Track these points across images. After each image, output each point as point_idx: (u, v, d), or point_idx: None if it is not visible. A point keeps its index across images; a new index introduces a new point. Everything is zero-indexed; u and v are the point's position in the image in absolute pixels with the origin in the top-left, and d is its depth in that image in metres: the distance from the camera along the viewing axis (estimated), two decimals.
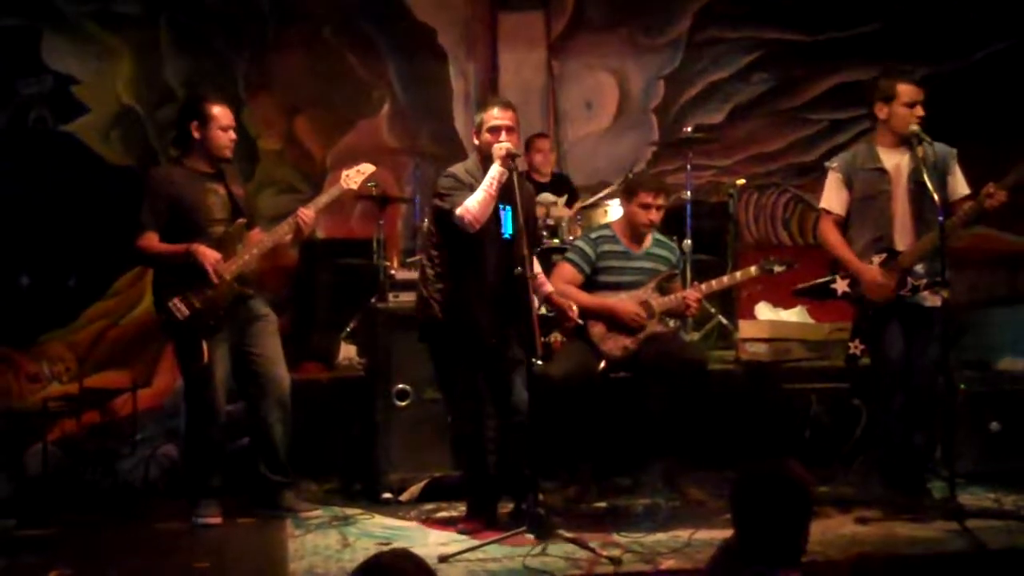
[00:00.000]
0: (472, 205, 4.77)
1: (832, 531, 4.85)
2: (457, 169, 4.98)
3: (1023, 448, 5.79)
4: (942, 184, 5.16)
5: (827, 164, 5.49)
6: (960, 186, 5.29)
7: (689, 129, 7.33)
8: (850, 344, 5.34)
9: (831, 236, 5.36)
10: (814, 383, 6.12)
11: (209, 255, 5.04)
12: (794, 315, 6.71)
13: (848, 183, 5.35)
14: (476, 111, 5.17)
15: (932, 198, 5.00)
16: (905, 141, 5.23)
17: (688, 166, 6.98)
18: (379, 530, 5.06)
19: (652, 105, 8.41)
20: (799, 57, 8.33)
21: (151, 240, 5.11)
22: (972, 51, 8.30)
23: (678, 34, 8.36)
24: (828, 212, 5.41)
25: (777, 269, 5.75)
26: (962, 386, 5.85)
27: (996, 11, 8.19)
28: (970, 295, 7.62)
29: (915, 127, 5.18)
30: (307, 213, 5.24)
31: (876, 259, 5.22)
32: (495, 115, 4.94)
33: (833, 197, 5.39)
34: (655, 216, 5.63)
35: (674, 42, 8.37)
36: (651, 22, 8.37)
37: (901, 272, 5.18)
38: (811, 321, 6.71)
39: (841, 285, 5.31)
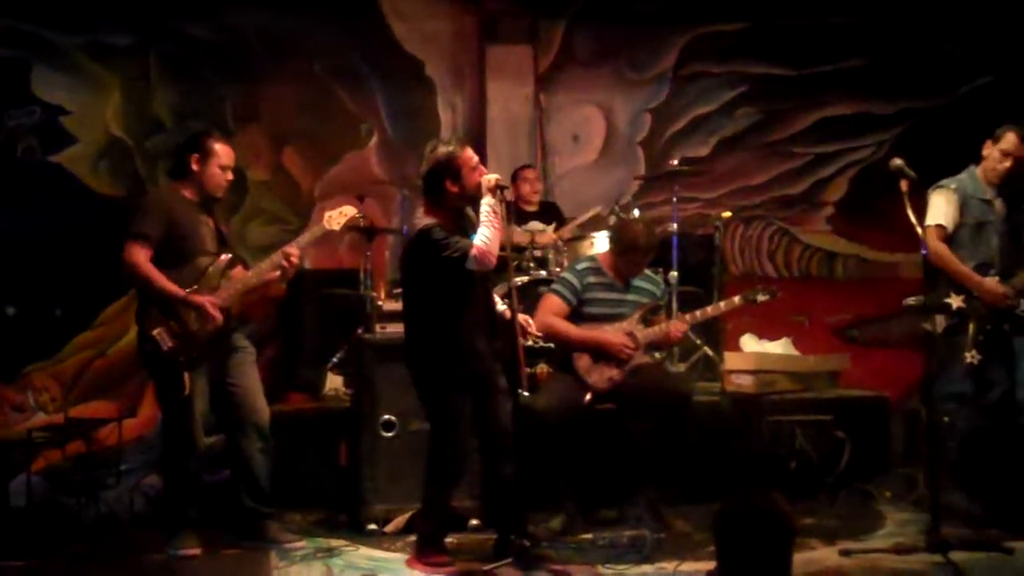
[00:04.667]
0: (486, 243, 4.71)
1: (816, 563, 4.86)
2: (432, 222, 4.81)
3: (1006, 480, 5.80)
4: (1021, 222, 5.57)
5: (940, 185, 5.64)
6: None
7: (675, 162, 7.39)
8: (967, 355, 5.42)
9: (946, 251, 5.52)
10: (799, 415, 6.13)
11: (209, 310, 5.01)
12: (779, 347, 6.73)
13: (963, 205, 5.56)
14: (435, 160, 4.85)
15: (1021, 237, 5.49)
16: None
17: (674, 199, 7.01)
18: (364, 562, 5.04)
19: (638, 138, 8.47)
20: (784, 91, 8.40)
21: (144, 254, 5.02)
22: (956, 86, 8.38)
23: (664, 69, 8.43)
24: (942, 227, 5.56)
25: (760, 299, 5.80)
26: (946, 419, 5.87)
27: (979, 47, 8.28)
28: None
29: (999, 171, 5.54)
30: (292, 252, 5.23)
31: (989, 279, 5.45)
32: (471, 153, 4.91)
33: (948, 215, 5.56)
34: (644, 267, 5.76)
35: (660, 76, 8.44)
36: (637, 57, 8.44)
37: (1016, 292, 5.42)
38: (796, 353, 6.73)
39: (956, 300, 5.44)
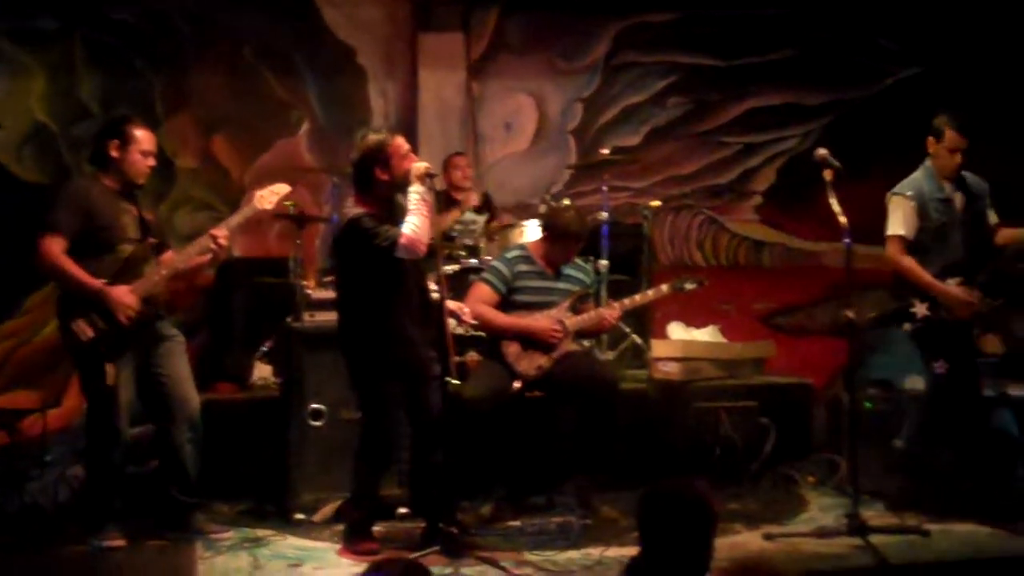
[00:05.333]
0: (415, 231, 4.71)
1: (740, 547, 4.93)
2: (362, 211, 4.81)
3: (925, 465, 5.93)
4: (983, 213, 5.58)
5: (897, 192, 5.60)
6: (993, 216, 5.61)
7: (606, 151, 7.41)
8: (935, 365, 5.50)
9: (907, 261, 5.52)
10: (724, 401, 6.21)
11: (123, 302, 4.94)
12: (706, 335, 6.82)
13: (922, 211, 5.52)
14: (365, 148, 4.86)
15: (983, 227, 5.48)
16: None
17: (605, 188, 7.04)
18: (291, 551, 5.02)
19: (570, 127, 8.50)
20: (713, 82, 8.48)
21: (59, 246, 4.93)
22: (882, 78, 8.51)
23: (595, 58, 8.47)
24: (902, 238, 5.53)
25: (688, 287, 5.86)
26: (867, 404, 5.99)
27: (905, 40, 8.42)
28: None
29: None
30: (220, 233, 5.16)
31: (952, 281, 5.43)
32: (401, 141, 4.92)
33: (908, 223, 5.53)
34: (576, 254, 5.80)
35: (592, 66, 8.48)
36: (569, 46, 8.47)
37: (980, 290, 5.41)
38: (723, 340, 6.81)
39: (921, 308, 5.48)
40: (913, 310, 5.48)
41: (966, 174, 5.57)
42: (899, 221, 5.54)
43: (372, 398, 4.94)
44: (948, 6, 8.28)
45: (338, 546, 5.01)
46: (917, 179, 5.60)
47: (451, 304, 5.09)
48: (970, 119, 5.53)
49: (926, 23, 8.36)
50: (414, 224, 4.74)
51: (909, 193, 5.55)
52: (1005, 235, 5.54)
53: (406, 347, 4.89)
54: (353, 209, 4.85)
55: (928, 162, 5.61)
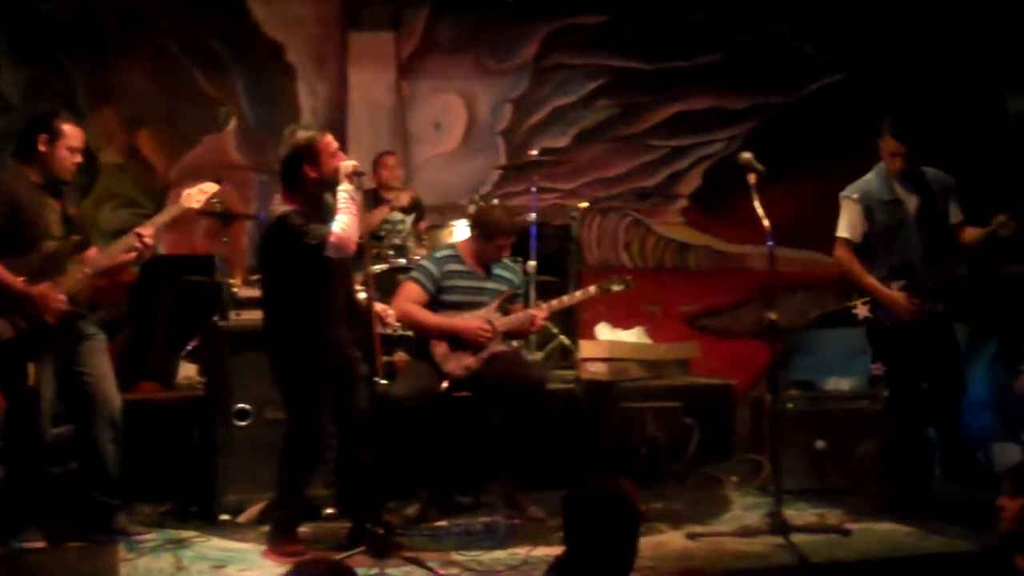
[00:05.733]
0: (345, 229, 4.67)
1: (663, 546, 4.98)
2: (290, 208, 4.75)
3: (846, 466, 6.05)
4: (945, 211, 5.53)
5: (845, 194, 5.60)
6: (956, 214, 5.57)
7: (535, 152, 7.42)
8: (872, 367, 5.64)
9: (854, 264, 5.54)
10: (650, 402, 6.26)
11: (49, 303, 4.85)
12: (632, 335, 6.86)
13: (868, 213, 5.53)
14: (295, 144, 4.80)
15: (942, 226, 5.45)
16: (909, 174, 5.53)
17: (533, 188, 7.06)
18: (215, 552, 4.97)
19: (499, 128, 8.53)
20: (641, 85, 8.56)
21: None
22: (806, 83, 8.65)
23: (525, 59, 8.51)
24: (848, 240, 5.56)
25: (615, 289, 5.93)
26: (790, 405, 6.09)
27: (829, 47, 8.57)
28: (800, 317, 7.95)
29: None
30: (145, 232, 5.08)
31: (896, 285, 5.46)
32: (330, 139, 4.89)
33: (854, 226, 5.54)
34: (507, 253, 5.80)
35: (521, 67, 8.52)
36: (499, 47, 8.50)
37: (921, 294, 5.42)
38: (648, 341, 6.88)
39: (862, 310, 5.53)
40: (855, 311, 5.55)
41: (928, 170, 5.56)
42: (845, 223, 5.58)
43: (298, 398, 4.90)
44: (870, 14, 8.43)
45: (263, 547, 4.94)
46: (867, 180, 5.62)
47: (376, 306, 5.07)
48: (909, 123, 5.56)
49: (848, 30, 8.51)
50: (344, 223, 4.72)
51: (855, 196, 5.58)
52: (970, 234, 5.51)
53: (332, 347, 4.86)
54: (281, 206, 4.80)
55: (880, 163, 5.63)
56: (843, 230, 5.59)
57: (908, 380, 5.55)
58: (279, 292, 4.91)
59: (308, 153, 4.81)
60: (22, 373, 4.86)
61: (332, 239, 4.68)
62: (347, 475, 5.06)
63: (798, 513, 5.43)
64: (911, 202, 5.55)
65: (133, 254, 5.12)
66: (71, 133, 5.09)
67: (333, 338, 4.87)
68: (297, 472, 4.95)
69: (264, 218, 5.04)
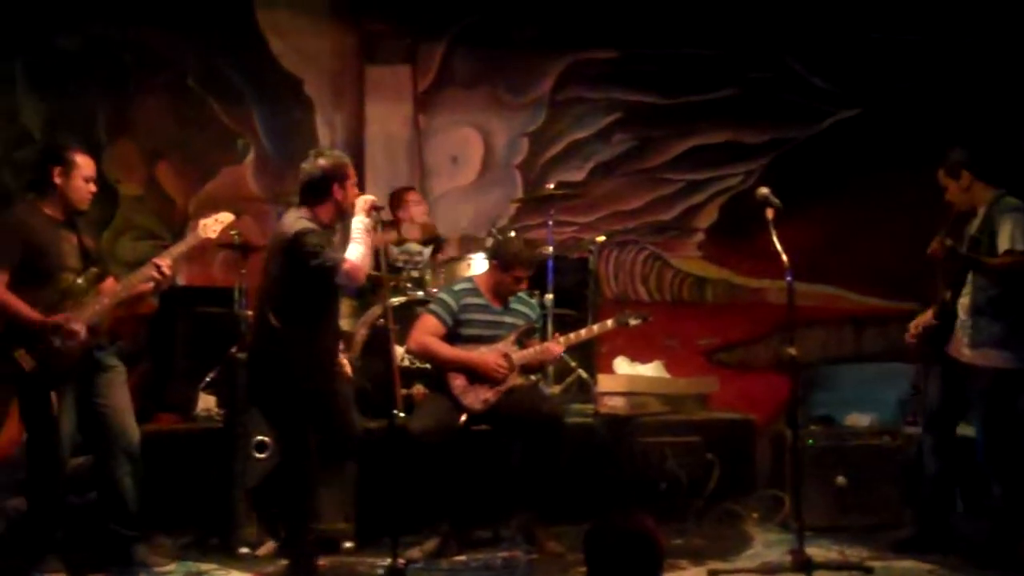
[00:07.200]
0: (358, 258, 4.69)
1: None
2: (312, 225, 4.76)
3: (867, 502, 6.02)
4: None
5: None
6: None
7: (552, 186, 7.43)
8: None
9: None
10: (669, 436, 6.22)
11: (72, 335, 4.87)
12: (651, 370, 6.83)
13: None
14: (328, 164, 4.84)
15: None
16: None
17: (550, 222, 7.07)
18: None
19: (516, 161, 8.53)
20: (657, 119, 8.54)
21: (2, 280, 4.87)
22: (821, 118, 8.65)
23: (541, 93, 8.51)
24: None
25: (633, 322, 5.94)
26: (810, 441, 6.06)
27: (843, 81, 8.57)
28: (820, 352, 7.92)
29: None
30: (163, 262, 5.10)
31: None
32: (352, 169, 4.94)
33: None
34: (524, 285, 5.80)
35: (537, 101, 8.51)
36: (515, 81, 8.50)
37: None
38: (667, 376, 6.85)
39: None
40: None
41: None
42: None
43: (294, 420, 4.84)
44: (885, 50, 8.45)
45: None
46: None
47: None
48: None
49: (862, 65, 8.52)
50: (358, 252, 4.72)
51: None
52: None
53: (324, 373, 4.87)
54: (300, 221, 4.77)
55: None
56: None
57: (949, 419, 5.53)
58: (284, 309, 4.81)
59: (339, 175, 4.85)
60: (45, 404, 4.88)
61: (346, 266, 4.67)
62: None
63: (820, 550, 5.38)
64: None
65: (151, 284, 5.14)
66: (84, 163, 5.13)
67: (327, 364, 4.85)
68: (301, 499, 4.89)
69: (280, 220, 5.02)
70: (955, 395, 5.46)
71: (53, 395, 4.90)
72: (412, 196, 7.45)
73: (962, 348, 5.35)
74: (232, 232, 6.11)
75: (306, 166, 4.87)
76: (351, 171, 4.91)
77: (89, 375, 5.09)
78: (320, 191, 4.83)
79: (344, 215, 4.88)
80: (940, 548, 5.39)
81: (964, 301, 5.35)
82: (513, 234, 6.78)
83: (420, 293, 6.63)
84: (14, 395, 5.17)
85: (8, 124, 7.64)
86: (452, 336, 5.68)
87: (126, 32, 7.90)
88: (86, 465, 5.35)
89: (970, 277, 5.34)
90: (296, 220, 4.80)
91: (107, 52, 7.89)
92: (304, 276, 4.74)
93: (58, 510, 5.07)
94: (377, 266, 5.62)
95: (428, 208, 7.63)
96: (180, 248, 5.28)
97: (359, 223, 4.80)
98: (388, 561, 4.71)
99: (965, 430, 5.61)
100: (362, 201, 4.86)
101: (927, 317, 5.49)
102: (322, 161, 4.84)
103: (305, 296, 4.79)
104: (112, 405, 5.15)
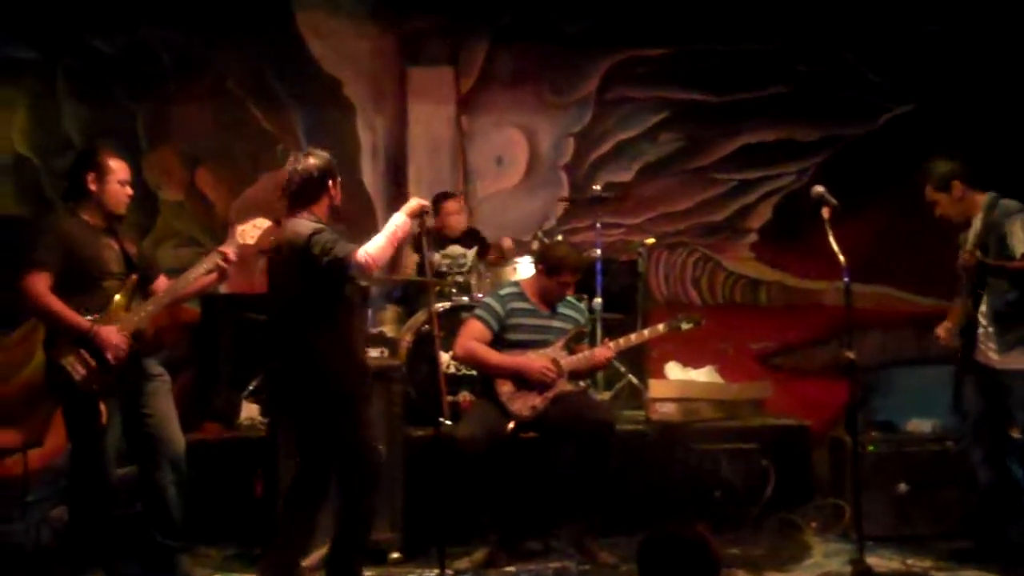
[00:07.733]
0: (373, 249, 4.57)
1: None
2: (321, 226, 4.67)
3: (930, 510, 5.85)
4: None
5: None
6: None
7: (599, 187, 7.36)
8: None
9: None
10: (723, 443, 6.11)
11: (111, 341, 4.81)
12: (703, 375, 6.72)
13: None
14: (321, 165, 4.75)
15: None
16: None
17: (598, 224, 6.98)
18: None
19: (562, 162, 8.42)
20: (706, 118, 8.39)
21: (45, 282, 4.81)
22: (877, 114, 8.45)
23: (587, 93, 8.38)
24: None
25: (685, 327, 5.82)
26: (871, 448, 5.90)
27: (898, 77, 8.38)
28: (879, 356, 7.72)
29: None
30: (228, 250, 5.03)
31: None
32: None
33: None
34: (571, 291, 5.74)
35: (582, 100, 8.39)
36: (559, 80, 8.39)
37: None
38: (720, 381, 6.72)
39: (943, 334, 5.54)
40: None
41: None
42: None
43: (354, 423, 4.71)
44: (939, 44, 8.25)
45: None
46: None
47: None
48: None
49: (918, 60, 8.32)
50: (377, 245, 4.60)
51: None
52: None
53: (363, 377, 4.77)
54: (311, 224, 4.67)
55: None
56: None
57: (994, 427, 5.39)
58: (311, 317, 4.67)
59: (332, 172, 4.79)
60: (94, 414, 4.84)
61: (358, 256, 4.53)
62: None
63: (882, 560, 5.29)
64: None
65: (215, 275, 5.08)
66: (118, 167, 5.10)
67: (359, 367, 4.75)
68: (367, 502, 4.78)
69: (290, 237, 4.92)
70: (995, 402, 5.34)
71: (102, 405, 4.84)
72: (451, 206, 7.28)
73: (990, 355, 5.25)
74: (272, 238, 6.02)
75: (298, 168, 4.76)
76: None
77: (135, 384, 5.05)
78: (317, 190, 4.75)
79: (337, 212, 4.82)
80: (1000, 559, 5.24)
81: (984, 309, 5.25)
82: (560, 238, 6.70)
83: (466, 298, 6.56)
84: (58, 403, 5.12)
85: (48, 131, 7.64)
86: (498, 342, 5.61)
87: (165, 36, 7.89)
88: (132, 475, 5.30)
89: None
90: (304, 225, 4.68)
91: (146, 57, 7.89)
92: (321, 278, 4.62)
93: (103, 521, 5.01)
94: (422, 271, 5.54)
95: (467, 216, 7.48)
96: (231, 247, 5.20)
97: (397, 219, 4.72)
98: (436, 572, 4.71)
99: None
100: (414, 202, 4.82)
101: (950, 325, 5.41)
102: (314, 160, 4.76)
103: (328, 300, 4.66)
104: (157, 415, 5.11)
